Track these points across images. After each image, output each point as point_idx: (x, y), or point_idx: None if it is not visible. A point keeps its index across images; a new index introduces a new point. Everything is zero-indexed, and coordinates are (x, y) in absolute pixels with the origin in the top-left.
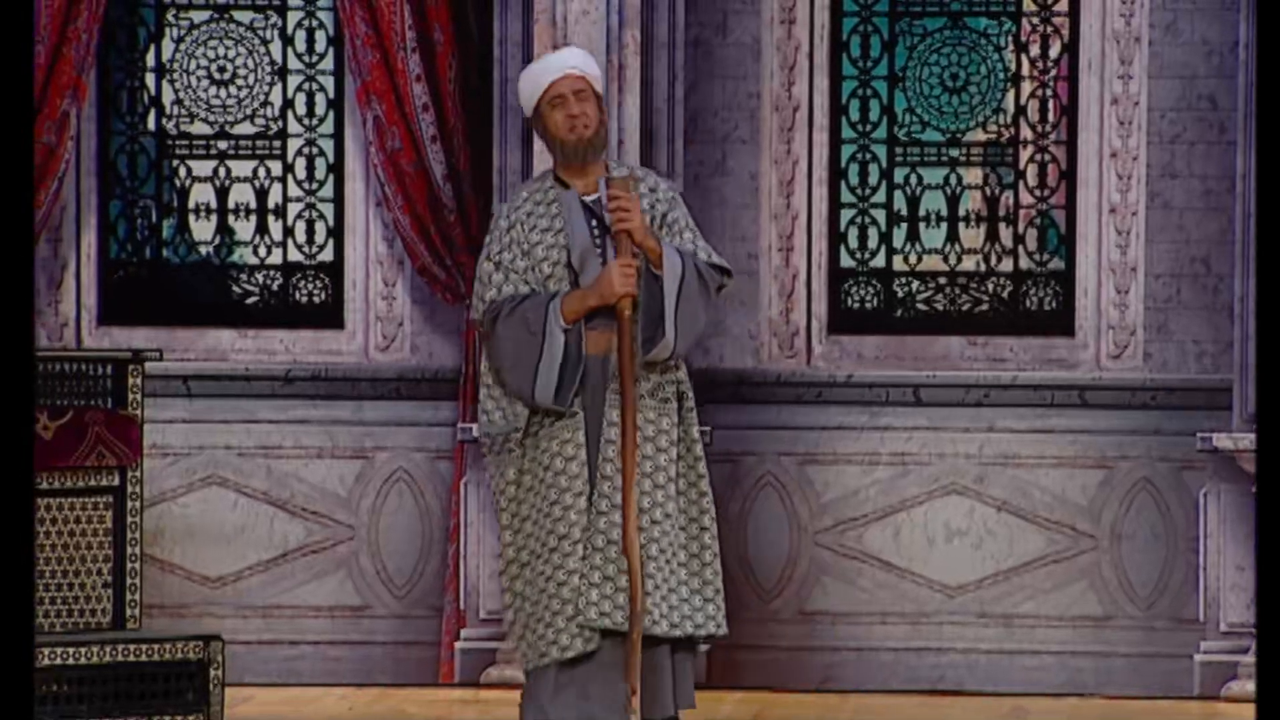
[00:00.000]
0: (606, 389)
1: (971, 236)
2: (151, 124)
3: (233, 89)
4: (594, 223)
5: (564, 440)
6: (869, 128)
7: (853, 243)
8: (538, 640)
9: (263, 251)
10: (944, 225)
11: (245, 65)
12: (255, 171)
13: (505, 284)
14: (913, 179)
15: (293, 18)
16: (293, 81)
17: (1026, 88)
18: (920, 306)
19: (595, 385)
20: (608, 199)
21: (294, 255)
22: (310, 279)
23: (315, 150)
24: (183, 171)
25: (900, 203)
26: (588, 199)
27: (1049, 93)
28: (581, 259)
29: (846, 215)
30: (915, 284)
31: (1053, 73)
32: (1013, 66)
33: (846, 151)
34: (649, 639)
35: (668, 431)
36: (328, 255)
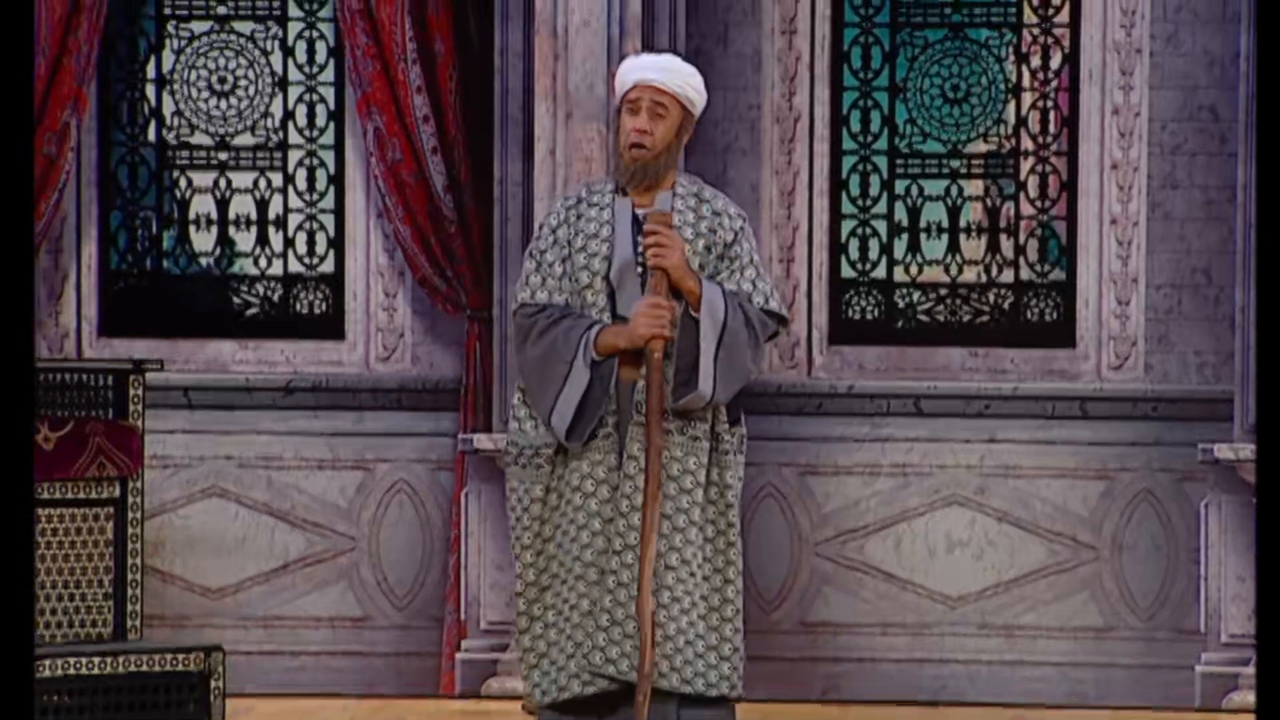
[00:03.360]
0: (630, 421)
1: (972, 247)
2: (152, 135)
3: (233, 100)
4: (640, 238)
5: (595, 462)
6: (870, 139)
7: (853, 254)
8: (551, 681)
9: (263, 262)
10: (945, 236)
11: (246, 76)
12: (256, 183)
13: (540, 289)
14: (913, 190)
15: (293, 29)
16: (293, 93)
17: (1027, 99)
18: (921, 317)
19: (625, 411)
20: (645, 231)
21: (295, 266)
22: (311, 290)
23: (316, 161)
24: (183, 183)
25: (901, 214)
26: (640, 213)
27: (1050, 104)
28: (620, 274)
29: (847, 226)
30: (916, 295)
31: (1053, 84)
32: (1013, 77)
33: (847, 162)
34: (658, 692)
35: (694, 472)
36: (328, 266)
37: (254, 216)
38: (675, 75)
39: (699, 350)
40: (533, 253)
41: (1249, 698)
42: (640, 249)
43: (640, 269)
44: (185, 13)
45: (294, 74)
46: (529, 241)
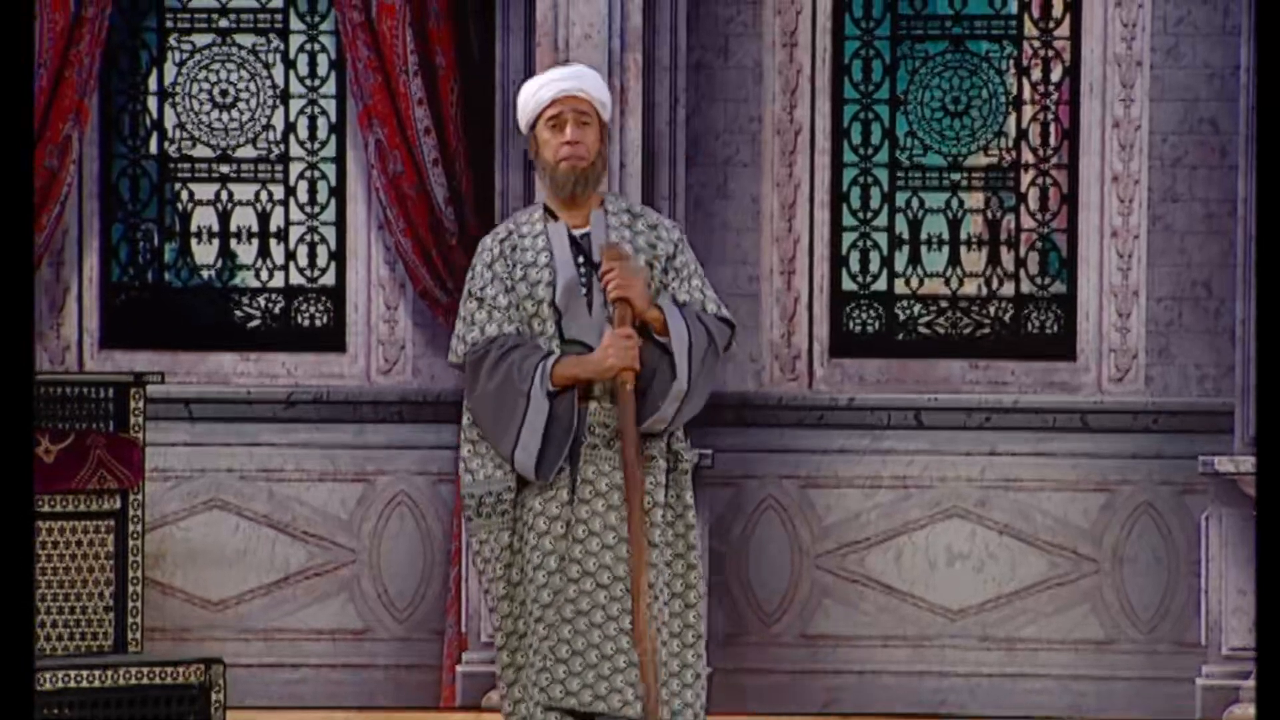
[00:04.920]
0: (583, 444)
1: (973, 260)
2: (153, 147)
3: (235, 113)
4: (580, 259)
5: (548, 498)
6: (870, 151)
7: (854, 266)
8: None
9: (264, 275)
10: (945, 249)
11: (247, 89)
12: (257, 195)
13: (489, 323)
14: (914, 202)
15: (295, 41)
16: (295, 105)
17: (1028, 111)
18: (922, 330)
19: (578, 440)
20: (602, 268)
21: (296, 279)
22: (312, 302)
23: (317, 174)
24: (184, 195)
25: (902, 226)
26: (577, 233)
27: (1050, 116)
28: (566, 298)
29: (848, 239)
30: (917, 307)
31: (1054, 96)
32: (1014, 90)
33: (848, 175)
34: None
35: (651, 493)
36: (329, 279)
37: (255, 229)
38: (591, 83)
39: (671, 378)
40: (471, 293)
41: (1250, 710)
42: (598, 279)
43: (584, 290)
44: (187, 25)
45: (295, 86)
46: None
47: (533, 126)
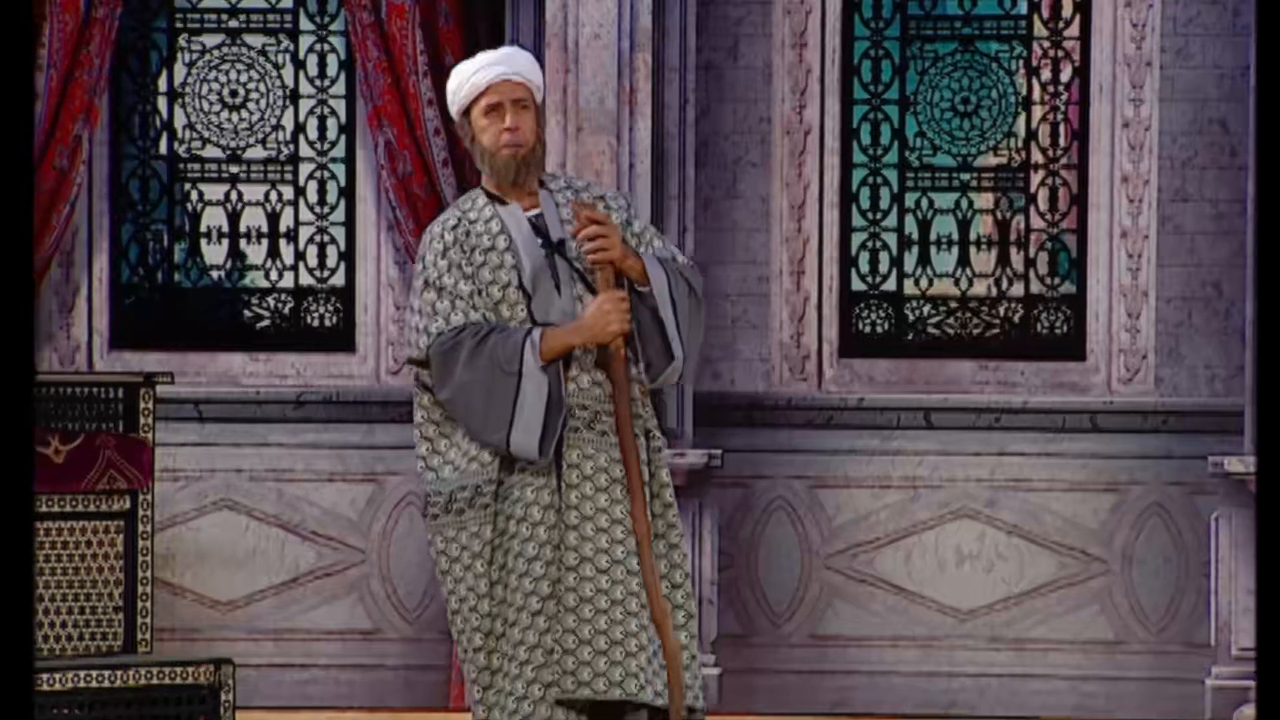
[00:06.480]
0: (566, 428)
1: (983, 261)
2: (163, 148)
3: (244, 113)
4: (541, 241)
5: (537, 487)
6: (880, 152)
7: (864, 267)
8: (509, 716)
9: (274, 275)
10: (955, 249)
11: (257, 89)
12: (267, 195)
13: (453, 312)
14: (924, 203)
15: (305, 42)
16: (305, 105)
17: (1038, 112)
18: (931, 330)
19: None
20: (579, 227)
21: (305, 279)
22: (322, 303)
23: (327, 174)
24: (194, 195)
25: (911, 227)
26: (531, 214)
27: (1060, 117)
28: (534, 280)
29: (858, 239)
30: (926, 308)
31: (1064, 97)
32: (1024, 91)
33: (858, 175)
34: (626, 706)
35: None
36: (339, 279)
37: (265, 229)
38: (525, 65)
39: (663, 323)
40: (428, 283)
41: None
42: (575, 242)
43: (551, 271)
44: (197, 26)
45: (305, 87)
46: None
47: (466, 112)
